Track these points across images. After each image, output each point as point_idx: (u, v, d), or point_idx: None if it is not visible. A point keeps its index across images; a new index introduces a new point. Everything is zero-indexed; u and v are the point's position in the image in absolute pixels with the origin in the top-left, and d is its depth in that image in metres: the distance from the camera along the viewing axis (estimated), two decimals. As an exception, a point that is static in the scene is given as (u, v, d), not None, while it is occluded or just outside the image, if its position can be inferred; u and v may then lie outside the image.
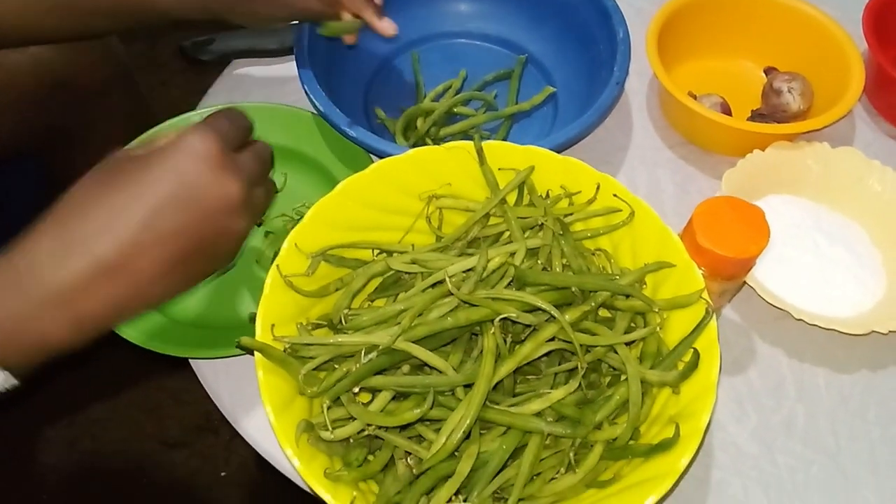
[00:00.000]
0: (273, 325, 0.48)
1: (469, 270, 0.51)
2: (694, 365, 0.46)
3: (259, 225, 0.66)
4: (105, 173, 0.41)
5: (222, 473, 1.10)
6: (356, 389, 0.47)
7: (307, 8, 0.62)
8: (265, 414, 0.44)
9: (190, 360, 0.59)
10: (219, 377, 0.59)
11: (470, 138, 0.71)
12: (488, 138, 0.71)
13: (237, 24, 0.62)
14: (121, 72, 0.84)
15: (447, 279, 0.47)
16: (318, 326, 0.52)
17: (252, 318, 0.60)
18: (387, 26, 0.65)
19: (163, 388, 1.16)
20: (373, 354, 0.47)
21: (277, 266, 0.50)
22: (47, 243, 0.39)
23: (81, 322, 0.40)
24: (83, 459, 1.11)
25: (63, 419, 1.14)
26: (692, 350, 0.47)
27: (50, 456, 1.11)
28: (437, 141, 0.71)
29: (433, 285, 0.52)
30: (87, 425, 1.13)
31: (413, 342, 0.47)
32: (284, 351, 0.47)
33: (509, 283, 0.51)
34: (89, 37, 0.68)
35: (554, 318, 0.48)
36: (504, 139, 0.72)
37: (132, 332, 0.57)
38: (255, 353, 0.46)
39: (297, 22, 0.68)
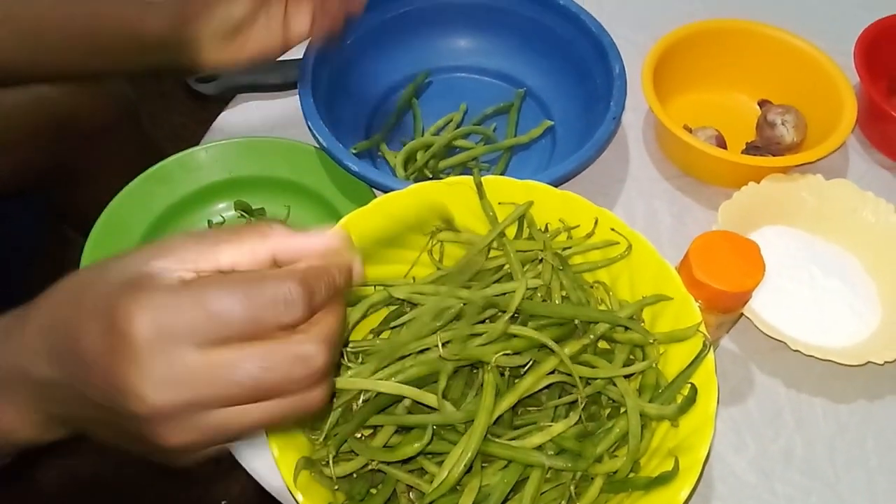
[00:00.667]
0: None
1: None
2: (692, 399, 0.47)
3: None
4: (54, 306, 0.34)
5: (223, 502, 1.10)
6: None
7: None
8: (268, 447, 0.45)
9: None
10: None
11: (469, 171, 0.73)
12: (487, 171, 0.73)
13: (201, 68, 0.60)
14: (126, 110, 0.85)
15: (438, 343, 0.48)
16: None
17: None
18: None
19: (164, 415, 1.16)
20: (370, 395, 0.48)
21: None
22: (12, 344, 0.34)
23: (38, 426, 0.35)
24: (82, 484, 1.11)
25: (63, 446, 1.13)
26: (690, 384, 0.47)
27: (49, 480, 1.11)
28: (437, 173, 0.72)
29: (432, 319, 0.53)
30: (87, 453, 1.13)
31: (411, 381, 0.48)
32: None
33: (513, 316, 0.51)
34: (70, 76, 0.67)
35: (553, 350, 0.49)
36: (503, 171, 0.73)
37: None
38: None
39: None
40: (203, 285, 0.28)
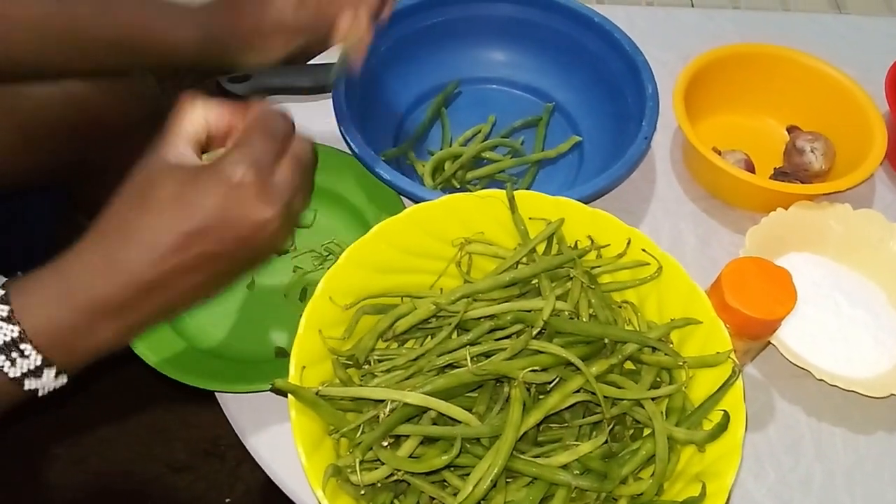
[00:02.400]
0: (302, 368, 0.49)
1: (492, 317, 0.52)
2: (724, 426, 0.47)
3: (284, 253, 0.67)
4: (143, 189, 0.44)
5: (227, 500, 1.10)
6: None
7: (300, 26, 0.58)
8: (294, 452, 0.45)
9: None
10: (242, 408, 0.60)
11: (496, 183, 0.73)
12: (515, 183, 0.73)
13: (235, 68, 0.61)
14: (153, 110, 0.85)
15: (468, 358, 0.49)
16: (346, 365, 0.53)
17: (278, 353, 0.62)
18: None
19: (171, 410, 1.16)
20: (397, 404, 0.48)
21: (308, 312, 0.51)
22: (94, 260, 0.42)
23: (127, 329, 0.43)
24: (89, 479, 1.11)
25: (70, 437, 1.13)
26: (722, 411, 0.47)
27: (56, 474, 1.11)
28: (464, 184, 0.73)
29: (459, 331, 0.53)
30: (94, 445, 1.13)
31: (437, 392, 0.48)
32: (317, 393, 0.48)
33: (538, 333, 0.51)
34: (102, 73, 0.68)
35: (580, 369, 0.49)
36: (529, 185, 0.73)
37: (154, 358, 0.58)
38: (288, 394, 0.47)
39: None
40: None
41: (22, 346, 0.40)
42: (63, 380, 0.43)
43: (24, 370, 0.40)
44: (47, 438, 1.13)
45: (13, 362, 0.40)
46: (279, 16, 0.57)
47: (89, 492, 1.09)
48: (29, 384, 0.41)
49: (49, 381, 0.42)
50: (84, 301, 0.41)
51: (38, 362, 0.40)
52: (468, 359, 0.49)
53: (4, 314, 0.40)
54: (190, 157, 0.45)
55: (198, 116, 0.46)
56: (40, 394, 0.42)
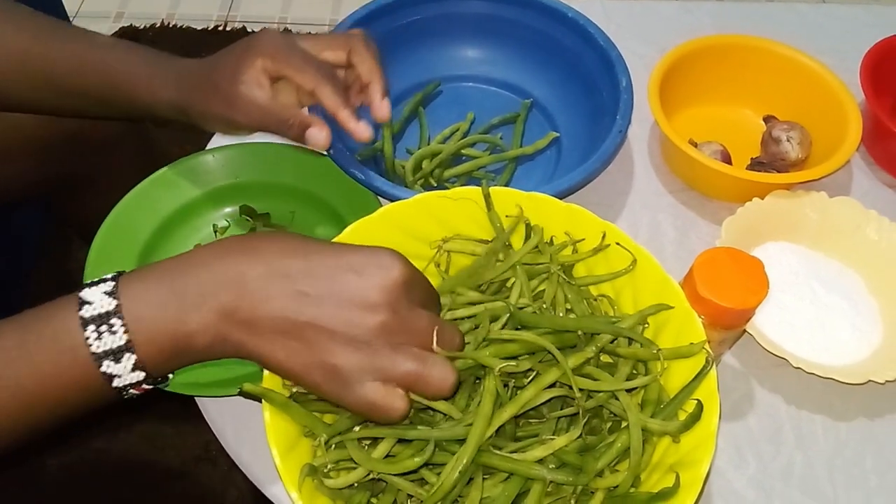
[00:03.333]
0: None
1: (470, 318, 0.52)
2: (697, 416, 0.47)
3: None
4: (249, 244, 0.44)
5: (220, 505, 1.10)
6: (362, 434, 0.47)
7: (263, 115, 0.56)
8: (269, 454, 0.45)
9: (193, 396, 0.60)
10: (223, 412, 0.60)
11: (474, 180, 0.73)
12: (493, 180, 0.73)
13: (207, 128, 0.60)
14: (135, 124, 0.85)
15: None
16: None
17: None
18: (362, 129, 0.58)
19: (162, 417, 1.16)
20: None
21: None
22: (216, 268, 0.42)
23: (217, 346, 0.43)
24: (82, 488, 1.11)
25: (63, 447, 1.14)
26: (695, 401, 0.47)
27: (48, 484, 1.11)
28: (442, 182, 0.73)
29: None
30: (86, 454, 1.13)
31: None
32: (290, 396, 0.48)
33: (504, 325, 0.51)
34: (79, 116, 0.68)
35: (555, 362, 0.49)
36: (508, 181, 0.73)
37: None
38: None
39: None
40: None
41: (112, 321, 0.40)
42: (140, 375, 0.41)
43: (107, 348, 0.40)
44: (40, 449, 1.13)
45: (100, 335, 0.40)
46: (244, 111, 0.56)
47: (82, 501, 1.09)
48: (107, 366, 0.40)
49: (127, 370, 0.41)
50: (188, 301, 0.41)
51: (122, 342, 0.40)
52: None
53: (109, 289, 0.41)
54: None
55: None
56: (115, 384, 0.41)
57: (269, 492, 0.57)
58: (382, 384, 0.42)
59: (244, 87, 0.55)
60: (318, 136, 0.56)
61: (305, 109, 0.58)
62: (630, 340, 0.52)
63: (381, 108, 0.59)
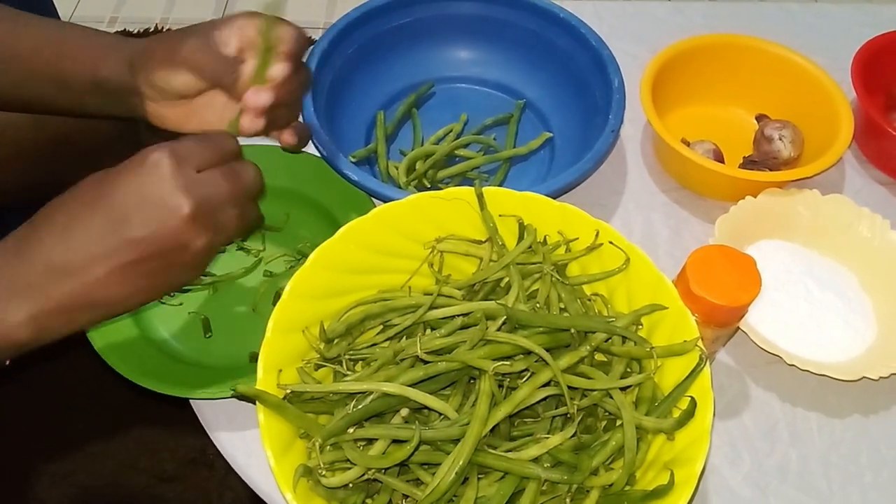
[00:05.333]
0: (278, 371, 0.49)
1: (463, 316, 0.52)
2: (691, 413, 0.47)
3: (245, 249, 0.67)
4: (72, 190, 0.46)
5: (216, 509, 1.10)
6: (357, 435, 0.47)
7: (214, 59, 0.54)
8: (265, 456, 0.45)
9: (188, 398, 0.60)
10: (217, 414, 0.59)
11: (468, 181, 0.74)
12: (487, 180, 0.73)
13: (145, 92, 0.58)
14: (122, 126, 0.84)
15: (419, 347, 0.49)
16: (319, 366, 0.53)
17: (252, 358, 0.62)
18: (286, 137, 0.60)
19: (158, 421, 1.16)
20: (371, 398, 0.48)
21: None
22: (9, 245, 0.44)
23: (38, 319, 0.43)
24: (77, 493, 1.10)
25: (57, 453, 1.13)
26: (689, 398, 0.47)
27: (43, 490, 1.10)
28: (435, 183, 0.73)
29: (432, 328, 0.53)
30: (81, 458, 1.13)
31: (410, 385, 0.48)
32: (285, 397, 0.48)
33: (501, 326, 0.51)
34: (53, 112, 0.65)
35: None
36: (502, 182, 0.73)
37: (132, 371, 0.58)
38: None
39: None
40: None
41: None
42: None
43: None
44: (34, 454, 1.13)
45: None
46: (195, 46, 0.54)
47: (79, 502, 1.09)
48: None
49: None
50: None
51: None
52: (419, 349, 0.49)
53: None
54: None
55: None
56: None
57: (265, 494, 0.56)
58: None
59: (211, 35, 0.54)
60: (260, 97, 0.53)
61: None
62: (624, 339, 0.52)
63: (284, 137, 0.60)
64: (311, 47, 0.72)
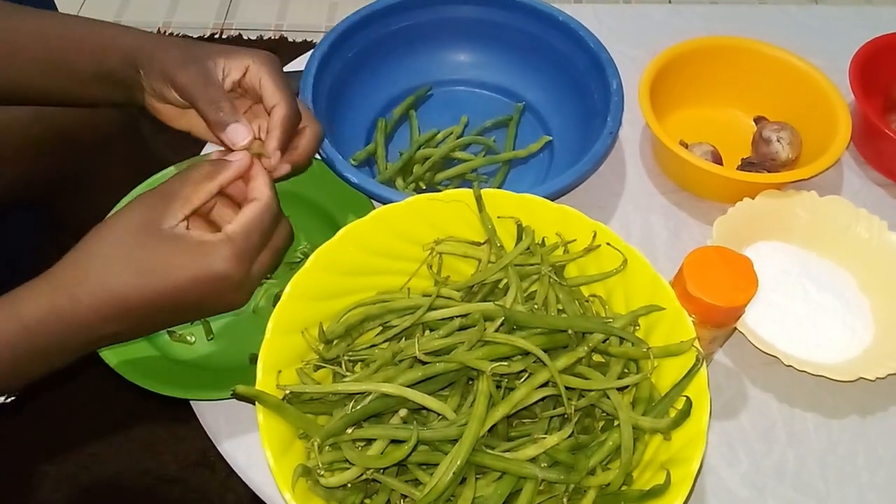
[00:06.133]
0: (278, 372, 0.50)
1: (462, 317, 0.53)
2: (686, 413, 0.47)
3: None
4: (121, 233, 0.47)
5: (218, 510, 1.10)
6: (355, 436, 0.48)
7: (207, 83, 0.54)
8: (264, 457, 0.45)
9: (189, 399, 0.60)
10: (218, 416, 0.60)
11: (467, 182, 0.74)
12: (486, 182, 0.74)
13: (139, 98, 0.59)
14: (127, 120, 0.85)
15: (417, 348, 0.50)
16: (318, 367, 0.53)
17: (252, 359, 0.62)
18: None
19: (160, 423, 1.16)
20: (370, 398, 0.48)
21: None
22: (45, 287, 0.46)
23: (69, 353, 0.48)
24: (80, 495, 1.11)
25: (60, 454, 1.14)
26: (684, 398, 0.48)
27: (47, 491, 1.11)
28: (434, 185, 0.73)
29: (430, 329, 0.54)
30: (84, 460, 1.13)
31: (409, 385, 0.49)
32: (284, 398, 0.48)
33: (499, 327, 0.52)
34: (59, 102, 0.65)
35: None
36: (501, 184, 0.74)
37: (133, 373, 0.58)
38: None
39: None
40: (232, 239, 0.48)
41: None
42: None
43: None
44: (37, 456, 1.13)
45: None
46: (191, 72, 0.54)
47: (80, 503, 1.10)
48: None
49: None
50: (30, 328, 0.45)
51: None
52: (417, 350, 0.49)
53: None
54: (182, 231, 0.48)
55: (209, 190, 0.50)
56: None
57: (265, 496, 0.57)
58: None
59: (210, 61, 0.55)
60: (238, 132, 0.53)
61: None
62: (622, 340, 0.52)
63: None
64: (312, 51, 0.73)
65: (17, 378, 0.47)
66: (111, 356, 0.59)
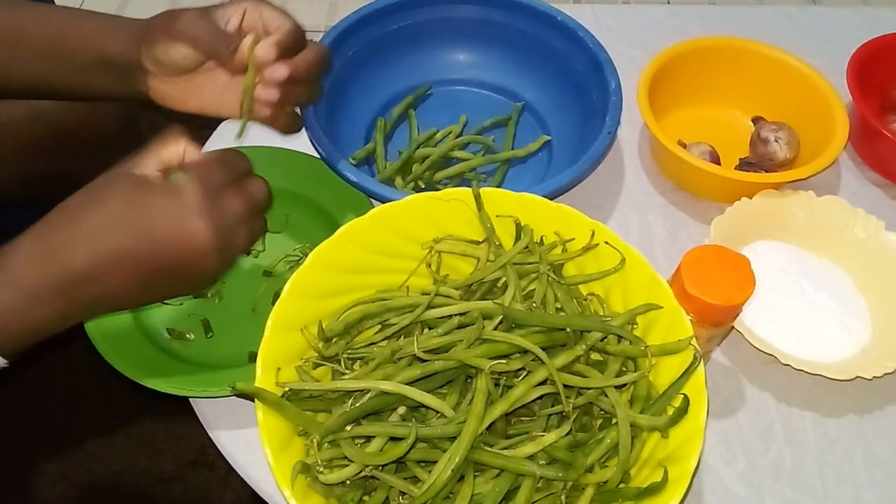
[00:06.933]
0: (277, 370, 0.50)
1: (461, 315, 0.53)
2: (683, 411, 0.47)
3: (248, 254, 0.68)
4: (99, 189, 0.48)
5: (217, 509, 1.10)
6: (354, 433, 0.48)
7: (211, 29, 0.55)
8: (263, 454, 0.46)
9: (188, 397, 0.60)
10: (217, 413, 0.60)
11: (466, 182, 0.74)
12: (485, 182, 0.74)
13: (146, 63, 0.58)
14: (126, 120, 0.85)
15: (416, 346, 0.50)
16: (318, 364, 0.53)
17: (252, 357, 0.62)
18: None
19: (158, 421, 1.16)
20: (368, 396, 0.48)
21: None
22: (37, 246, 0.46)
23: (60, 315, 0.47)
24: (78, 493, 1.11)
25: (58, 453, 1.14)
26: (682, 396, 0.48)
27: (45, 490, 1.11)
28: (433, 184, 0.73)
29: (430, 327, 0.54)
30: (82, 459, 1.13)
31: (407, 383, 0.49)
32: (283, 395, 0.48)
33: (498, 325, 0.52)
34: (61, 96, 0.65)
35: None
36: (500, 183, 0.74)
37: (132, 370, 0.58)
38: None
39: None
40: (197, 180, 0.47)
41: None
42: (3, 362, 0.46)
43: None
44: (35, 454, 1.13)
45: None
46: (191, 18, 0.55)
47: (79, 502, 1.10)
48: None
49: None
50: (22, 284, 0.45)
51: None
52: (416, 348, 0.50)
53: None
54: (152, 174, 0.49)
55: (177, 148, 0.50)
56: None
57: (264, 493, 0.57)
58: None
59: (193, 12, 0.55)
60: (278, 67, 0.54)
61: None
62: (619, 338, 0.53)
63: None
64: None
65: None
66: (112, 353, 0.59)
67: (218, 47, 0.55)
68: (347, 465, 0.47)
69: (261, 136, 0.75)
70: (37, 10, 0.59)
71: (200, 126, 0.74)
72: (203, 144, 0.74)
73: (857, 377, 0.59)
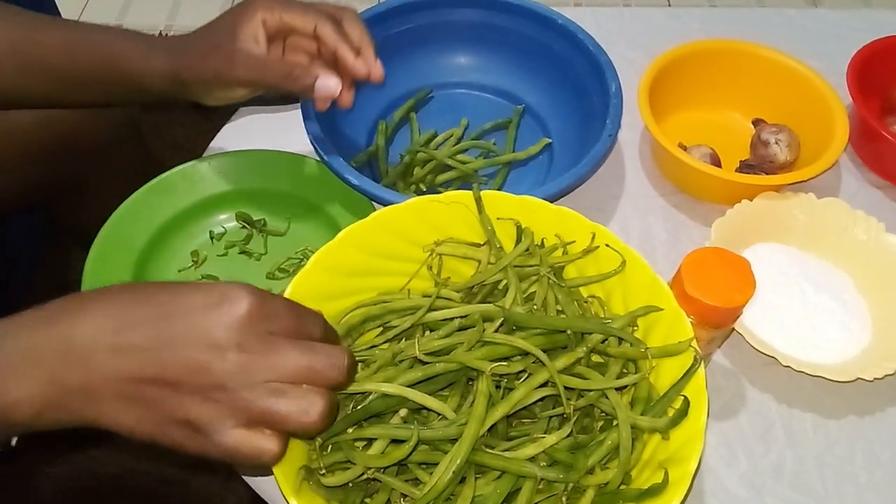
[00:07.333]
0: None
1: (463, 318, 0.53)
2: (684, 412, 0.47)
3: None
4: (136, 286, 0.41)
5: (219, 512, 1.10)
6: (356, 435, 0.48)
7: (264, 67, 0.57)
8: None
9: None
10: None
11: (467, 184, 0.74)
12: (486, 184, 0.74)
13: (205, 102, 0.61)
14: (128, 126, 0.86)
15: (417, 348, 0.50)
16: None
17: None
18: (360, 65, 0.59)
19: (161, 424, 1.16)
20: (370, 398, 0.48)
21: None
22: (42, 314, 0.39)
23: (40, 402, 0.38)
24: (81, 496, 1.11)
25: (61, 456, 1.14)
26: (682, 397, 0.48)
27: (48, 492, 1.11)
28: (435, 187, 0.74)
29: (431, 329, 0.54)
30: (85, 462, 1.14)
31: (409, 385, 0.49)
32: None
33: (499, 327, 0.52)
34: (77, 105, 0.69)
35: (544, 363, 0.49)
36: (501, 186, 0.74)
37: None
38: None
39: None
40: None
41: None
42: None
43: None
44: (38, 458, 1.13)
45: None
46: (244, 64, 0.57)
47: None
48: None
49: None
50: (9, 369, 0.37)
51: None
52: (417, 350, 0.50)
53: None
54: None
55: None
56: None
57: (266, 496, 0.57)
58: (246, 428, 0.37)
59: (242, 43, 0.57)
60: (329, 82, 0.57)
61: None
62: (620, 340, 0.53)
63: (377, 67, 0.61)
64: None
65: None
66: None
67: (285, 86, 0.57)
68: (349, 468, 0.48)
69: (261, 140, 0.76)
70: (63, 32, 0.61)
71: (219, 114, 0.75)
72: (214, 134, 0.75)
73: (858, 379, 0.59)
